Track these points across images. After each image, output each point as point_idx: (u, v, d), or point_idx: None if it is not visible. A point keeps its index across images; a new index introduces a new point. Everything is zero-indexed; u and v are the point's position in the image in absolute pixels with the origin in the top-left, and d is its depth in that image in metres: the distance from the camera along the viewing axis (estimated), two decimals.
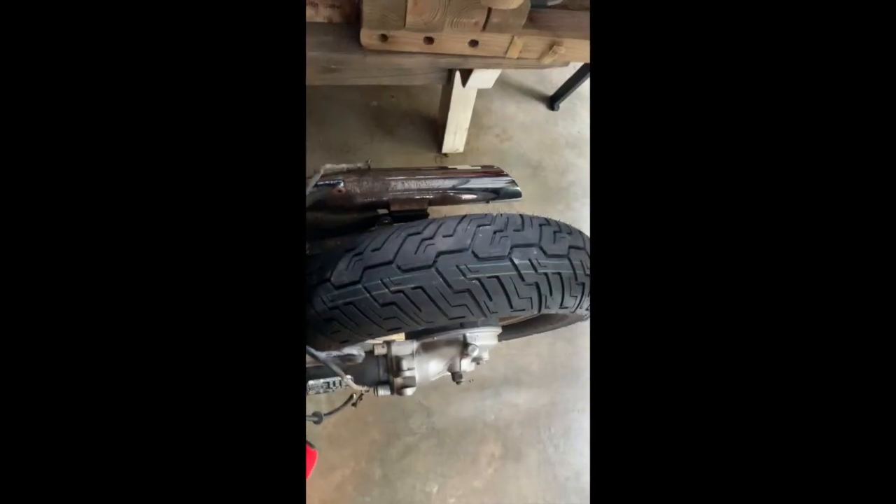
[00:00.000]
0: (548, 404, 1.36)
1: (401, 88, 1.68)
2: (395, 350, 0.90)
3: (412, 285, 0.67)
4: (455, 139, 1.56)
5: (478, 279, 0.67)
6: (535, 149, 1.72)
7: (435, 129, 1.62)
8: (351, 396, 0.93)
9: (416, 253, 0.68)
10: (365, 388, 0.81)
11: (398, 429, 1.26)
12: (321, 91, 1.59)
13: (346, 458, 1.20)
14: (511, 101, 1.81)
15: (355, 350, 0.67)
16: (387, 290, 0.68)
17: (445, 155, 1.60)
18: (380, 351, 0.90)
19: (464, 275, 0.67)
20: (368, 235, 0.77)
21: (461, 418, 1.31)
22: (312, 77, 1.19)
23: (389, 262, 0.69)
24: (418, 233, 0.71)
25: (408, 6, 0.86)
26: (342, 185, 0.76)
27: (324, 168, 0.73)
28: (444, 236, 0.69)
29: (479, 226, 0.71)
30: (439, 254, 0.68)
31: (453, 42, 0.99)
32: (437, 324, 0.72)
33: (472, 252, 0.68)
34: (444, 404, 1.32)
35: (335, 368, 0.66)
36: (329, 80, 1.30)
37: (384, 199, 0.93)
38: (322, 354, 0.63)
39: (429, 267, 0.67)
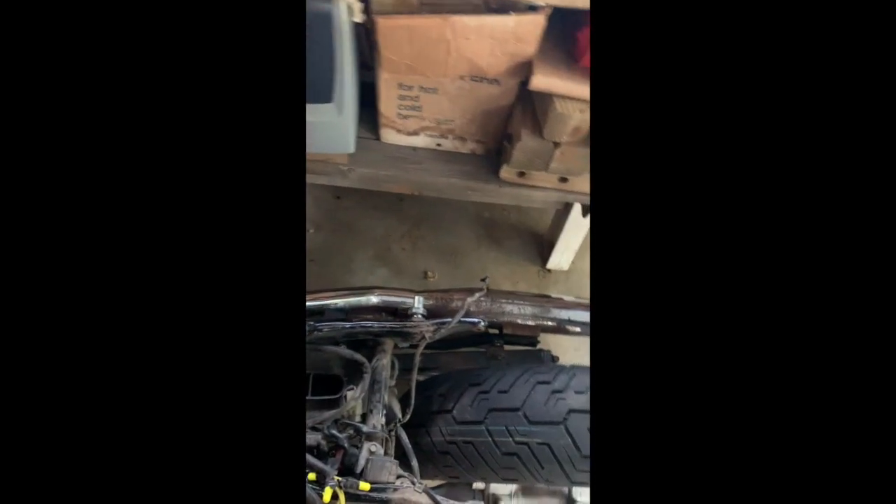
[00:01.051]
0: None
1: (513, 205, 1.76)
2: (494, 488, 0.86)
3: (538, 440, 0.66)
4: (562, 258, 1.58)
5: None
6: None
7: (541, 244, 1.66)
8: None
9: (545, 405, 0.67)
10: None
11: None
12: (443, 199, 1.71)
13: None
14: None
15: None
16: (511, 440, 0.67)
17: (549, 271, 1.62)
18: (478, 486, 0.86)
19: None
20: (492, 371, 0.77)
21: None
22: (439, 193, 1.28)
23: (516, 410, 0.68)
24: (548, 382, 0.70)
25: (554, 155, 0.92)
26: (482, 324, 0.79)
27: (467, 304, 0.76)
28: (575, 392, 0.68)
29: None
30: (570, 412, 0.66)
31: (586, 183, 1.03)
32: (555, 484, 0.68)
33: None
34: None
35: None
36: (454, 195, 1.40)
37: (498, 320, 0.95)
38: None
39: (558, 423, 0.66)
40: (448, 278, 1.58)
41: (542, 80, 0.83)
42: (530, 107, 0.93)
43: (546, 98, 0.86)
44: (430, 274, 1.59)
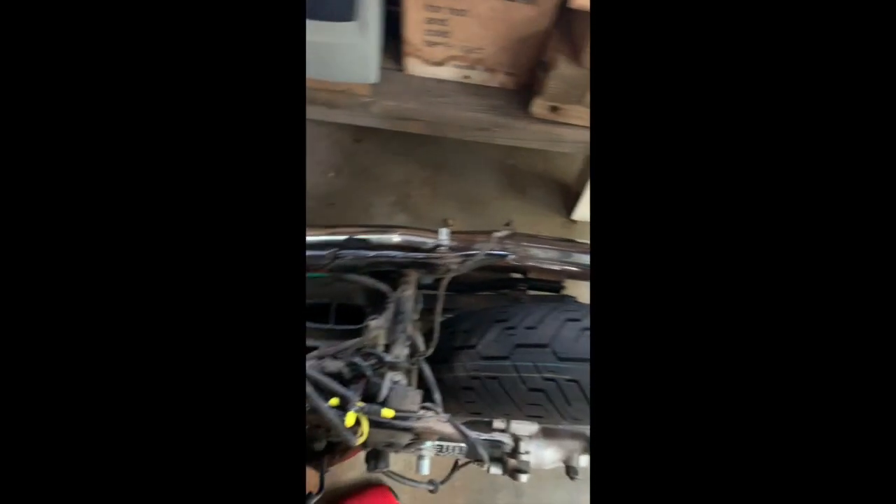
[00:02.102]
0: None
1: (539, 151, 1.68)
2: (515, 428, 0.85)
3: (567, 377, 0.63)
4: (588, 209, 1.52)
5: None
6: None
7: (566, 194, 1.60)
8: (456, 462, 0.89)
9: (575, 342, 0.64)
10: (481, 463, 0.76)
11: (484, 501, 1.19)
12: (465, 144, 1.65)
13: None
14: None
15: (506, 438, 0.64)
16: (537, 375, 0.65)
17: (574, 222, 1.56)
18: (498, 425, 0.85)
19: None
20: (518, 308, 0.75)
21: None
22: (464, 133, 1.23)
23: (544, 346, 0.65)
24: (578, 319, 0.67)
25: None
26: (511, 257, 0.75)
27: (494, 237, 0.72)
28: None
29: None
30: None
31: None
32: (582, 422, 0.67)
33: None
34: (535, 487, 1.22)
35: (481, 452, 0.63)
36: (480, 136, 1.34)
37: (523, 264, 0.91)
38: (473, 434, 0.60)
39: (588, 361, 0.63)
40: (468, 226, 1.54)
41: None
42: (569, 30, 0.86)
43: (588, 18, 0.79)
44: (449, 221, 1.54)
